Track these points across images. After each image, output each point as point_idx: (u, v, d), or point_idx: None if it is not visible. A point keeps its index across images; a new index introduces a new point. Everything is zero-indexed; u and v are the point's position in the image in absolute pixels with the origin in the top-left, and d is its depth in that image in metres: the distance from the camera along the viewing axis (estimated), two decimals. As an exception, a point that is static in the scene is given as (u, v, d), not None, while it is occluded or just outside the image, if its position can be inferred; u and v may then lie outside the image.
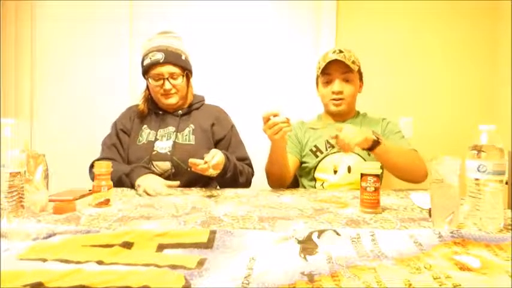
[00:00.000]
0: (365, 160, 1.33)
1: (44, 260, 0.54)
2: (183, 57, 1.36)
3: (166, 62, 1.31)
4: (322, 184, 1.36)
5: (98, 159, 1.30)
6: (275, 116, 1.08)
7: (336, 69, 1.34)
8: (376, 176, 0.85)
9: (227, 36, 2.09)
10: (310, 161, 1.38)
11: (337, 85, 1.34)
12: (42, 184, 0.85)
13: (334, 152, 1.35)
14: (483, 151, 0.69)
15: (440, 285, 0.45)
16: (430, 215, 0.75)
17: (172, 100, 1.36)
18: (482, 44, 2.02)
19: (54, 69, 2.12)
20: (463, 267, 0.51)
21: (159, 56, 1.31)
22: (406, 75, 2.06)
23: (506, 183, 0.71)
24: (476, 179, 0.69)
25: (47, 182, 0.88)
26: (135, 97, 2.06)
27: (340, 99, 1.36)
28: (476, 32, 2.02)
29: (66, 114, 2.12)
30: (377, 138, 1.12)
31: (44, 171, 0.86)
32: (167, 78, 1.32)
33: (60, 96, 2.12)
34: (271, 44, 2.09)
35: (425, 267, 0.51)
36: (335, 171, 1.34)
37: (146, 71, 1.34)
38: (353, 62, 1.33)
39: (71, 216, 0.82)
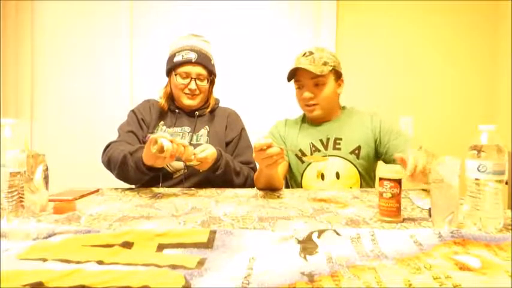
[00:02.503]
0: (353, 164, 1.27)
1: (44, 260, 0.54)
2: (212, 62, 1.39)
3: (197, 63, 1.33)
4: None
5: (114, 142, 1.27)
6: (268, 147, 0.97)
7: (304, 75, 1.26)
8: (395, 180, 0.75)
9: (227, 37, 2.09)
10: (296, 166, 1.34)
11: (306, 92, 1.27)
12: (42, 184, 0.85)
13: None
14: (483, 151, 0.69)
15: (440, 285, 0.45)
16: (430, 215, 0.75)
17: (194, 102, 1.36)
18: (482, 44, 2.02)
19: (54, 70, 2.12)
20: (463, 267, 0.51)
21: (192, 56, 1.32)
22: (406, 75, 2.06)
23: (506, 183, 0.71)
24: (476, 179, 0.69)
25: (47, 182, 0.88)
26: (135, 97, 2.07)
27: (314, 104, 1.29)
28: (477, 31, 2.02)
29: (66, 114, 2.12)
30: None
31: (44, 171, 0.86)
32: (194, 79, 1.33)
33: (60, 97, 2.13)
34: (271, 44, 2.10)
35: (425, 267, 0.51)
36: (322, 178, 1.28)
37: (174, 67, 1.34)
38: (324, 64, 1.24)
39: (71, 216, 0.82)
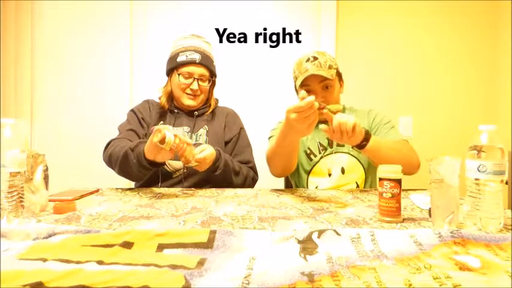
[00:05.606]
0: (357, 159, 1.31)
1: (44, 260, 0.54)
2: (214, 63, 1.40)
3: (201, 64, 1.34)
4: (316, 188, 1.33)
5: (115, 139, 1.27)
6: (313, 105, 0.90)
7: (312, 79, 1.27)
8: (395, 180, 0.76)
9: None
10: (304, 164, 1.35)
11: (318, 97, 1.26)
12: (42, 184, 0.85)
13: (327, 154, 1.33)
14: (483, 151, 0.69)
15: (440, 285, 0.45)
16: (430, 215, 0.75)
17: (194, 102, 1.37)
18: (482, 44, 2.02)
19: (54, 69, 2.12)
20: (463, 267, 0.50)
21: (197, 56, 1.33)
22: (406, 75, 2.06)
23: (506, 183, 0.71)
24: (476, 179, 0.69)
25: (47, 182, 0.88)
26: (135, 97, 2.07)
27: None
28: (477, 31, 2.02)
29: (66, 114, 2.12)
30: (366, 131, 1.05)
31: (44, 171, 0.86)
32: (197, 79, 1.34)
33: (60, 96, 2.13)
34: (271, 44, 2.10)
35: (425, 267, 0.51)
36: (329, 174, 1.32)
37: (177, 67, 1.34)
38: (329, 67, 1.27)
39: (71, 216, 0.82)
